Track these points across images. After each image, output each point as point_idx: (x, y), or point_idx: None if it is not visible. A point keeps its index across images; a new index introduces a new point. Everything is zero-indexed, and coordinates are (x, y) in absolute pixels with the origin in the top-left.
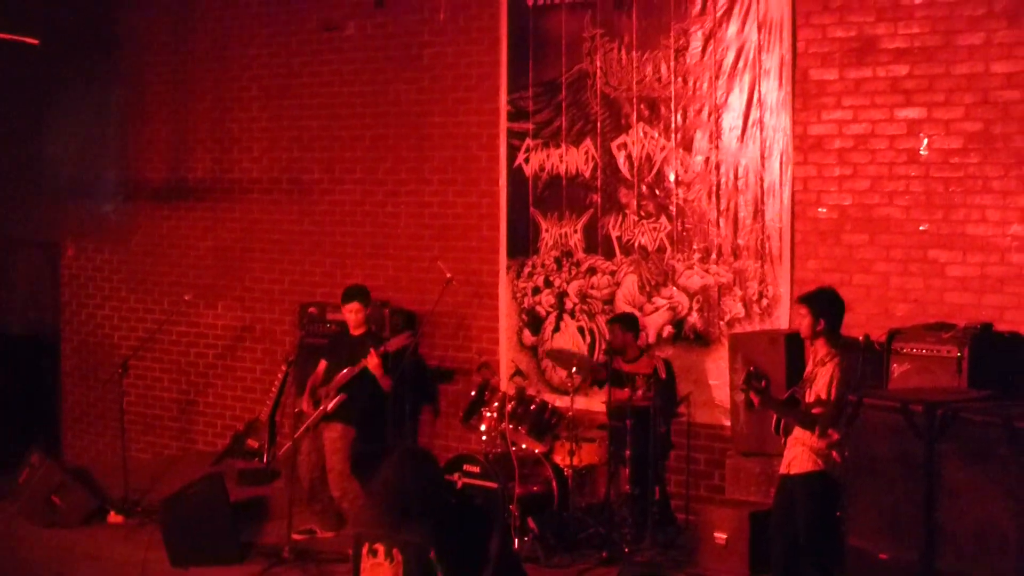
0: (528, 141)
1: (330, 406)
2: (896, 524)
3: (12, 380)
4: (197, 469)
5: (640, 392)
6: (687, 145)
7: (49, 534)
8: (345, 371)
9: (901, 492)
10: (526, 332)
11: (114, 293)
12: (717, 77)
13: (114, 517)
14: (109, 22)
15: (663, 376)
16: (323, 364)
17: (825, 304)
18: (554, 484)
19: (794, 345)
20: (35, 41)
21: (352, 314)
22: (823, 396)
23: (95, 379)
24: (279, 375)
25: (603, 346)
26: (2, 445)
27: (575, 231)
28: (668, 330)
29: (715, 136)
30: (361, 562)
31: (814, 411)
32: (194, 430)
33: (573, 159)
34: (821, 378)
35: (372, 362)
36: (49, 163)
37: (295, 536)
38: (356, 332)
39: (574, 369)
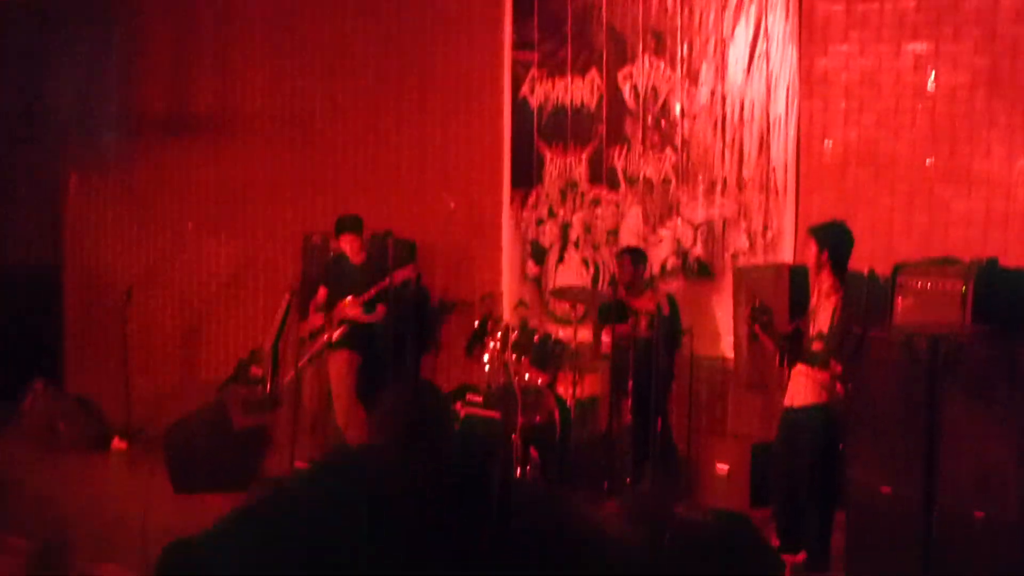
0: (533, 71)
1: (334, 336)
2: (897, 459)
3: (14, 310)
4: (201, 397)
5: (644, 324)
6: (693, 77)
7: (53, 460)
8: (354, 302)
9: (903, 426)
10: (530, 263)
11: (116, 223)
12: (724, 9)
13: (118, 443)
14: None
15: (666, 309)
16: (323, 290)
17: (832, 236)
18: (556, 415)
19: (799, 278)
20: None
21: (348, 244)
22: (825, 330)
23: (98, 308)
24: (282, 304)
25: (607, 278)
26: (5, 374)
27: (580, 162)
28: (672, 262)
29: (721, 69)
30: None
31: (816, 344)
32: (198, 359)
33: (578, 90)
34: (824, 311)
35: (351, 312)
36: (51, 95)
37: (298, 465)
38: (357, 260)
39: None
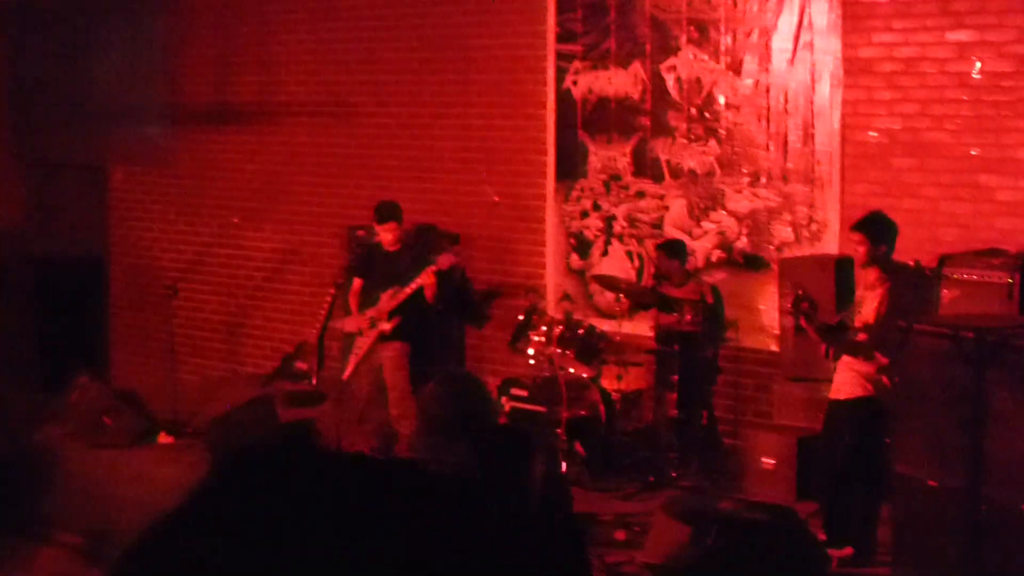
0: (576, 63)
1: (388, 328)
2: (944, 451)
3: (60, 303)
4: (246, 391)
5: (688, 317)
6: (736, 68)
7: (99, 454)
8: (402, 292)
9: (950, 419)
10: (573, 256)
11: (161, 216)
12: (767, 0)
13: (164, 438)
14: None
15: (710, 301)
16: (359, 282)
17: (881, 228)
18: (601, 408)
19: (843, 270)
20: None
21: (389, 233)
22: (871, 321)
23: (143, 302)
24: (327, 297)
25: (651, 270)
26: (52, 368)
27: (624, 154)
28: (717, 254)
29: (765, 59)
30: None
31: (861, 336)
32: (242, 352)
33: (622, 82)
34: (870, 302)
35: (427, 280)
36: (96, 87)
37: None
38: (392, 248)
39: (621, 296)
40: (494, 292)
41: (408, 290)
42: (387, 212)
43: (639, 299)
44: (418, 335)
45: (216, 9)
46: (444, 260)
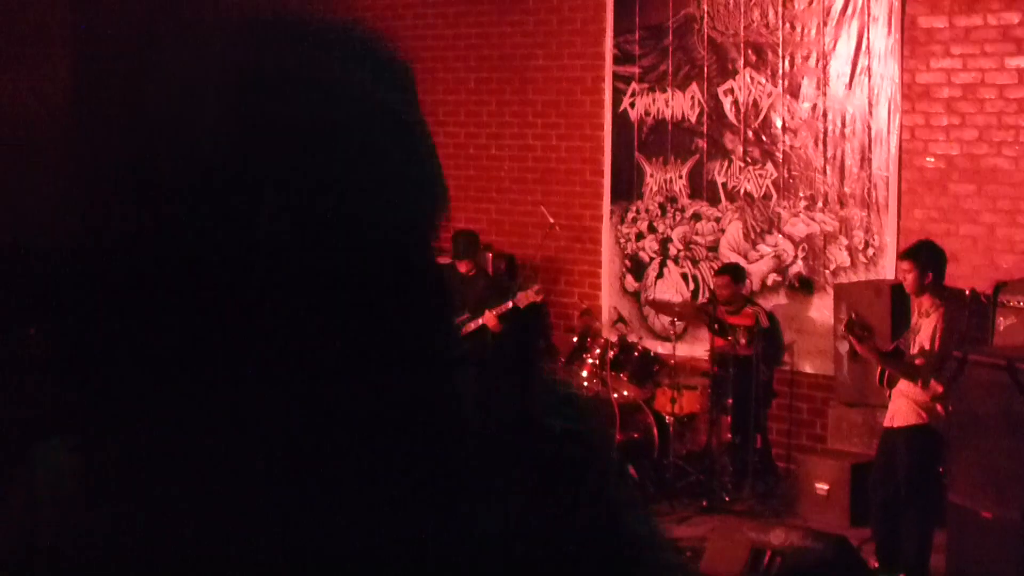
0: (634, 85)
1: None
2: (999, 483)
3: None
4: None
5: (743, 342)
6: (794, 91)
7: None
8: (470, 323)
9: (1005, 450)
10: (629, 278)
11: None
12: (825, 24)
13: None
14: None
15: (765, 325)
16: None
17: (930, 257)
18: (655, 431)
19: (899, 296)
20: None
21: (464, 266)
22: (927, 347)
23: None
24: None
25: (707, 294)
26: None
27: (680, 176)
28: (773, 278)
29: (822, 83)
30: None
31: (917, 362)
32: None
33: (679, 104)
34: (925, 329)
35: (491, 323)
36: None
37: None
38: (469, 274)
39: (675, 319)
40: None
41: (472, 326)
42: (464, 248)
43: (693, 320)
44: (484, 361)
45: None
46: (522, 299)
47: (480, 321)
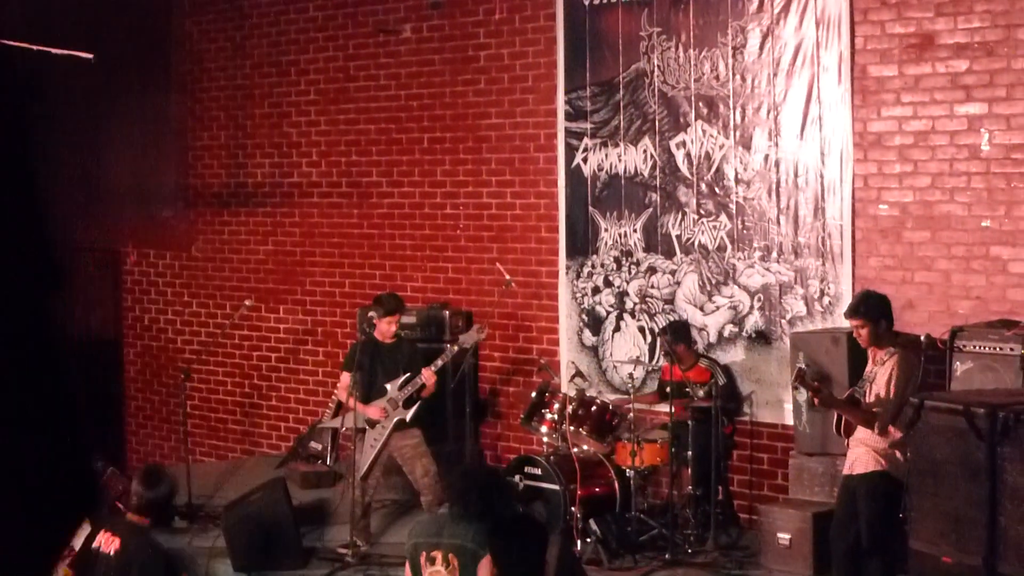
0: (586, 140)
1: (407, 416)
2: (959, 528)
3: (74, 385)
4: (260, 473)
5: (701, 394)
6: (746, 143)
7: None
8: (411, 382)
9: (964, 495)
10: (586, 332)
11: (176, 298)
12: (775, 75)
13: (178, 523)
14: (165, 30)
15: (720, 381)
16: (346, 376)
17: (876, 306)
18: (616, 485)
19: (856, 344)
20: (89, 55)
21: (394, 325)
22: (883, 395)
23: (158, 383)
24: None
25: (664, 347)
26: (67, 451)
27: (634, 230)
28: (730, 329)
29: (774, 134)
30: (421, 570)
31: (874, 410)
32: (257, 433)
33: (632, 158)
34: (881, 376)
35: (429, 380)
36: (109, 170)
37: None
38: (390, 341)
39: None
40: (504, 373)
41: (418, 380)
42: (396, 304)
43: (661, 388)
44: (431, 418)
45: (228, 91)
46: (466, 339)
47: (418, 380)
